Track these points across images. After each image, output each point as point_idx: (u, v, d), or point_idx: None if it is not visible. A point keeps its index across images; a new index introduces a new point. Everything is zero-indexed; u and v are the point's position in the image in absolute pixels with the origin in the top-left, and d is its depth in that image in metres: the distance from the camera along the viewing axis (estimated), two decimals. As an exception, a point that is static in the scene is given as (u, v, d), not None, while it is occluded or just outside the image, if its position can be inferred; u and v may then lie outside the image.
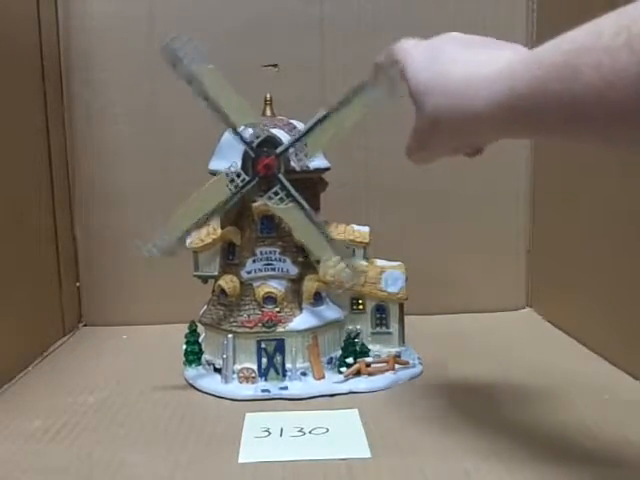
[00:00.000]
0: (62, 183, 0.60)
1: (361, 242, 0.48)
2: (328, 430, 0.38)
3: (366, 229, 0.48)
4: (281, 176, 0.43)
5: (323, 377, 0.45)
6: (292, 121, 0.46)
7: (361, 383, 0.45)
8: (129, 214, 0.62)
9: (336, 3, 0.61)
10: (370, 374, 0.45)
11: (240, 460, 0.35)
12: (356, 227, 0.48)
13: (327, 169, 0.47)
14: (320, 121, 0.41)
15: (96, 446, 0.37)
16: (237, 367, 0.45)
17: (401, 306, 0.48)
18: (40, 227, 0.55)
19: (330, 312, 0.46)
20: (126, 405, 0.43)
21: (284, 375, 0.45)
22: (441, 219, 0.63)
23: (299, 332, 0.45)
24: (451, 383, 0.46)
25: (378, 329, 0.48)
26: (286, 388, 0.44)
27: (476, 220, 0.64)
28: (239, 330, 0.45)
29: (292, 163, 0.43)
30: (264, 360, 0.45)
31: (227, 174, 0.43)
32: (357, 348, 0.46)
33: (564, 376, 0.46)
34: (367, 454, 0.35)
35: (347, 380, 0.45)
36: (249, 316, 0.45)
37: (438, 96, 0.31)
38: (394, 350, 0.48)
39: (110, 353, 0.55)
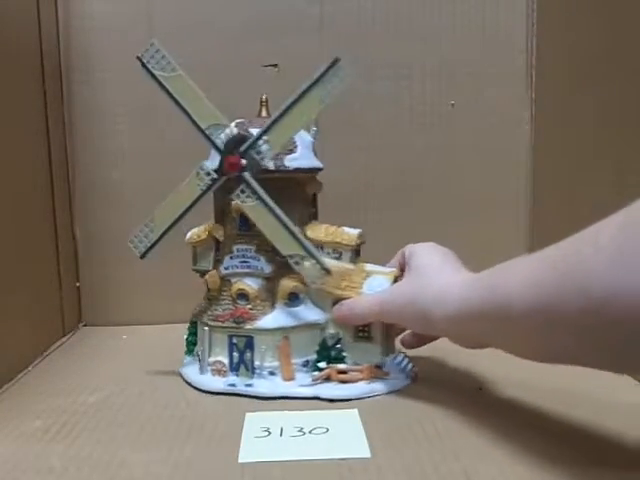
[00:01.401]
0: (62, 183, 0.60)
1: (347, 245, 0.46)
2: (328, 430, 0.38)
3: (355, 231, 0.46)
4: (246, 174, 0.43)
5: (292, 379, 0.44)
6: None
7: (329, 390, 0.43)
8: (129, 214, 0.62)
9: (336, 3, 0.61)
10: (342, 381, 0.44)
11: (240, 460, 0.35)
12: (347, 229, 0.46)
13: (315, 169, 0.46)
14: (278, 118, 0.42)
15: (96, 446, 0.37)
16: (211, 360, 0.46)
17: None
18: (40, 227, 0.55)
19: (307, 313, 0.45)
20: (126, 405, 0.43)
21: (253, 372, 0.45)
22: (441, 220, 0.63)
23: (268, 330, 0.44)
24: (451, 384, 0.46)
25: (360, 336, 0.45)
26: (251, 385, 0.44)
27: (476, 220, 0.64)
28: (213, 323, 0.46)
29: (265, 162, 0.43)
30: (235, 355, 0.45)
31: (198, 173, 0.44)
32: (331, 353, 0.45)
33: (564, 378, 0.46)
34: (367, 454, 0.35)
35: (315, 385, 0.44)
36: (224, 310, 0.46)
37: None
38: (375, 361, 0.45)
39: (110, 353, 0.55)
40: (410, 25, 0.62)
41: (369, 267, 0.46)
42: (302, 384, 0.44)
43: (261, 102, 0.48)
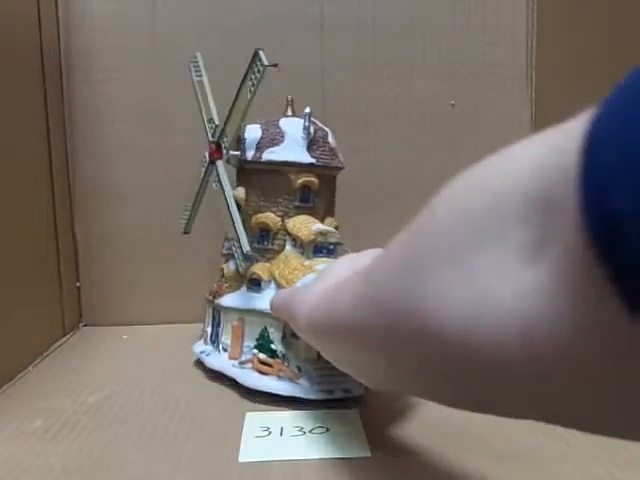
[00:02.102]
0: (62, 183, 0.60)
1: (302, 239, 0.45)
2: (328, 430, 0.38)
3: (318, 228, 0.45)
4: (218, 162, 0.47)
5: (236, 358, 0.46)
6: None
7: (244, 374, 0.44)
8: (129, 214, 0.62)
9: (336, 3, 0.61)
10: (259, 371, 0.44)
11: (240, 459, 0.35)
12: (321, 226, 0.45)
13: (297, 164, 0.45)
14: (230, 113, 0.46)
15: (96, 446, 0.37)
16: (207, 329, 0.50)
17: None
18: (40, 227, 0.55)
19: (262, 301, 0.44)
20: (126, 405, 0.43)
21: (217, 345, 0.48)
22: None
23: (226, 309, 0.47)
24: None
25: (293, 333, 0.43)
26: (208, 355, 0.48)
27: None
28: (206, 296, 0.50)
29: (247, 153, 0.46)
30: (214, 327, 0.49)
31: (202, 159, 0.49)
32: (264, 343, 0.45)
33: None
34: (367, 454, 0.35)
35: (241, 367, 0.45)
36: (216, 285, 0.50)
37: None
38: (297, 360, 0.43)
39: (110, 353, 0.55)
40: (410, 25, 0.62)
41: (322, 266, 0.44)
42: (233, 365, 0.46)
43: (287, 102, 0.48)
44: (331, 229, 0.45)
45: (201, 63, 0.50)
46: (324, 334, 0.28)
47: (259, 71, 0.45)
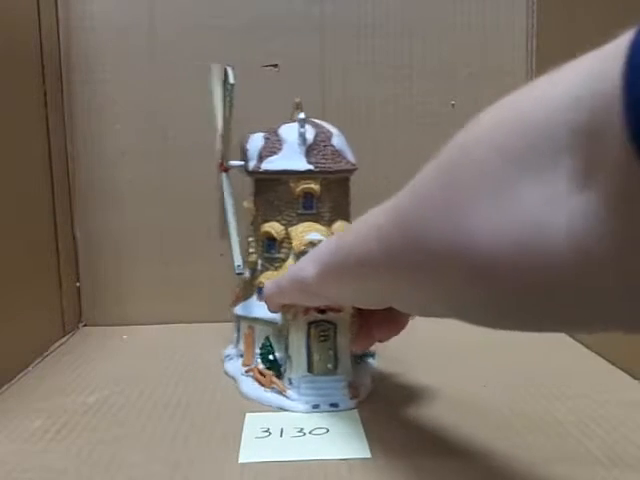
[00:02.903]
0: (62, 183, 0.60)
1: (293, 248, 0.45)
2: (328, 430, 0.38)
3: (310, 238, 0.44)
4: (222, 174, 0.48)
5: (248, 365, 0.46)
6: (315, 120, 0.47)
7: (245, 383, 0.45)
8: (129, 214, 0.62)
9: (336, 3, 0.61)
10: (257, 381, 0.45)
11: (240, 460, 0.35)
12: (314, 236, 0.44)
13: (292, 172, 0.44)
14: (224, 126, 0.47)
15: (96, 446, 0.37)
16: (234, 334, 0.51)
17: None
18: (40, 227, 0.55)
19: (265, 311, 0.44)
20: (126, 405, 0.43)
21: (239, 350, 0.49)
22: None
23: (238, 316, 0.48)
24: (452, 384, 0.46)
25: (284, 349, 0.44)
26: (230, 359, 0.49)
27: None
28: (230, 302, 0.51)
29: (250, 164, 0.46)
30: (237, 333, 0.50)
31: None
32: (264, 352, 0.45)
33: (563, 375, 0.46)
34: (367, 454, 0.35)
35: (246, 375, 0.46)
36: (237, 291, 0.50)
37: None
38: (289, 373, 0.43)
39: (110, 353, 0.55)
40: (410, 25, 0.62)
41: None
42: (242, 372, 0.46)
43: (295, 105, 0.48)
44: (322, 238, 0.44)
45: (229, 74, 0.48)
46: (347, 277, 0.29)
47: (227, 89, 0.45)
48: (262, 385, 0.44)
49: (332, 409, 0.41)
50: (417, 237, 0.21)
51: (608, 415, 0.39)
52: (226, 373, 0.48)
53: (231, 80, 0.44)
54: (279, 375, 0.44)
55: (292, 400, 0.42)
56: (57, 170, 0.58)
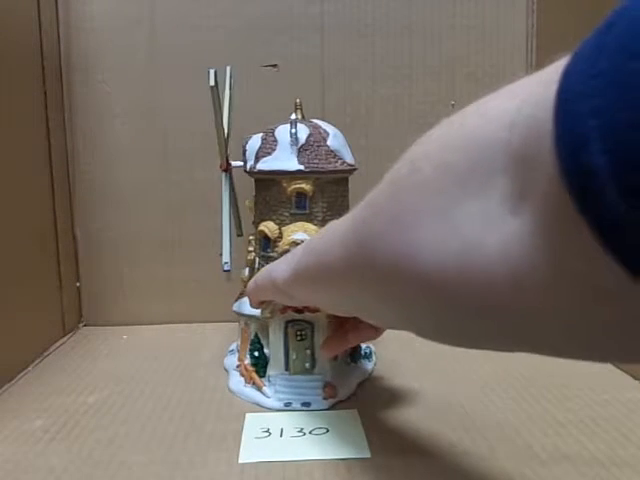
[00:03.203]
0: (62, 183, 0.60)
1: (280, 248, 0.45)
2: (328, 430, 0.38)
3: (293, 236, 0.44)
4: (223, 173, 0.48)
5: (243, 360, 0.47)
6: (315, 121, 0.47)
7: (231, 378, 0.46)
8: (129, 214, 0.62)
9: (336, 3, 0.61)
10: (242, 376, 0.45)
11: (240, 460, 0.35)
12: (298, 235, 0.44)
13: (282, 172, 0.44)
14: (228, 127, 0.47)
15: (96, 446, 0.37)
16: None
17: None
18: (40, 227, 0.55)
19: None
20: (126, 405, 0.43)
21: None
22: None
23: (234, 312, 0.48)
24: (451, 384, 0.46)
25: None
26: (232, 354, 0.50)
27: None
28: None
29: (249, 164, 0.47)
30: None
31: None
32: (252, 349, 0.45)
33: (563, 375, 0.46)
34: (367, 454, 0.35)
35: (236, 369, 0.47)
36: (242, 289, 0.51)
37: None
38: (270, 373, 0.44)
39: (110, 353, 0.55)
40: (410, 25, 0.62)
41: None
42: (234, 368, 0.47)
43: (295, 105, 0.48)
44: (307, 238, 0.43)
45: (230, 78, 0.49)
46: (313, 282, 0.29)
47: (233, 85, 0.46)
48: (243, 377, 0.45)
49: (303, 408, 0.42)
50: (369, 247, 0.21)
51: (608, 415, 0.39)
52: (225, 368, 0.49)
53: (211, 83, 0.44)
54: (264, 371, 0.44)
55: (267, 397, 0.43)
56: (57, 170, 0.58)
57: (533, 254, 0.14)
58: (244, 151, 0.47)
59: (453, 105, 0.63)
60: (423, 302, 0.19)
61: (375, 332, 0.38)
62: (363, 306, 0.27)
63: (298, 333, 0.43)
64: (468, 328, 0.19)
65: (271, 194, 0.46)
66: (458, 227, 0.17)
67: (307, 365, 0.43)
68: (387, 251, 0.20)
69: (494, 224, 0.16)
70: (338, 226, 0.26)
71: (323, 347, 0.42)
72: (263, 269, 0.39)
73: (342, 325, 0.40)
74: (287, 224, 0.45)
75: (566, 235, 0.13)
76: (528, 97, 0.15)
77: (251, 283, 0.40)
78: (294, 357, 0.43)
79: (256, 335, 0.45)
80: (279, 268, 0.34)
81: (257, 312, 0.43)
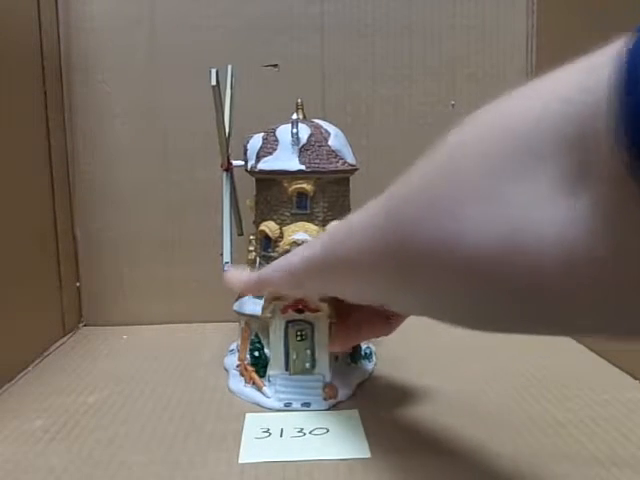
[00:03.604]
0: (62, 183, 0.60)
1: (280, 249, 0.45)
2: (328, 430, 0.38)
3: (294, 236, 0.44)
4: (224, 173, 0.48)
5: (243, 359, 0.47)
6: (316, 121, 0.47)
7: (233, 378, 0.46)
8: (129, 214, 0.62)
9: (336, 3, 0.61)
10: (242, 376, 0.45)
11: (240, 460, 0.35)
12: (299, 236, 0.44)
13: (282, 172, 0.44)
14: (230, 126, 0.47)
15: (96, 446, 0.37)
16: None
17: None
18: (40, 227, 0.55)
19: (258, 307, 0.44)
20: (126, 405, 0.43)
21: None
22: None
23: (235, 311, 0.48)
24: (451, 384, 0.46)
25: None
26: (233, 354, 0.49)
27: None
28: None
29: (250, 163, 0.47)
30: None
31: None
32: (252, 348, 0.45)
33: (563, 375, 0.46)
34: (367, 454, 0.35)
35: (237, 369, 0.47)
36: None
37: None
38: (270, 372, 0.44)
39: (110, 353, 0.55)
40: (410, 25, 0.62)
41: None
42: (234, 368, 0.47)
43: (297, 105, 0.48)
44: (308, 238, 0.43)
45: (231, 76, 0.49)
46: (334, 269, 0.29)
47: (234, 84, 0.46)
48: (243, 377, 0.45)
49: (304, 408, 0.42)
50: (407, 235, 0.21)
51: (608, 415, 0.39)
52: (225, 368, 0.49)
53: (212, 82, 0.44)
54: (264, 371, 0.44)
55: (267, 397, 0.43)
56: (57, 170, 0.58)
57: (590, 235, 0.15)
58: (245, 151, 0.47)
59: (453, 105, 0.63)
60: (460, 286, 0.19)
61: (389, 328, 0.38)
62: (389, 294, 0.27)
63: (298, 333, 0.43)
64: (505, 311, 0.19)
65: (272, 194, 0.46)
66: (506, 209, 0.17)
67: (307, 365, 0.43)
68: (424, 236, 0.20)
69: (545, 206, 0.16)
70: (364, 216, 0.26)
71: (332, 342, 0.41)
72: (273, 263, 0.38)
73: (344, 321, 0.40)
74: (288, 224, 0.45)
75: (628, 215, 0.14)
76: (579, 84, 0.15)
77: (253, 274, 0.40)
78: (294, 357, 0.43)
79: (256, 335, 0.45)
80: (298, 252, 0.33)
81: (258, 312, 0.43)
